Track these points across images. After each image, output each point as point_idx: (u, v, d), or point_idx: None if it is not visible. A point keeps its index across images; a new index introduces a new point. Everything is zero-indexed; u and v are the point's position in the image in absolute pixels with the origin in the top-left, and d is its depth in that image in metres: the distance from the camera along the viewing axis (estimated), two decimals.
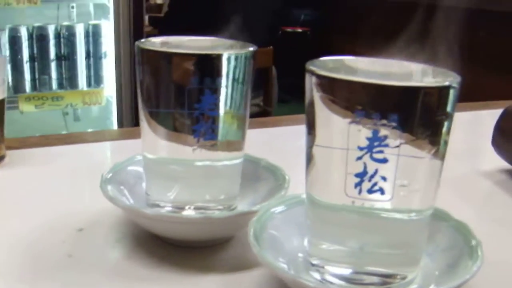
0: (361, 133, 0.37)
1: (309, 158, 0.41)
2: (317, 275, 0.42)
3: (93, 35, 2.37)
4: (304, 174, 0.42)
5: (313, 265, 0.43)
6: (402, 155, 0.37)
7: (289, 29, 4.74)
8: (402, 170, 0.38)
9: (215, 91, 0.46)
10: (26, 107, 2.33)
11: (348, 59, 0.42)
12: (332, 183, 0.40)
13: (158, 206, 0.51)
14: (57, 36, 2.31)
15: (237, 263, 0.48)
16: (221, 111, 0.48)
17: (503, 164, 0.73)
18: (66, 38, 2.32)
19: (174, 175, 0.51)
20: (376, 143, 0.37)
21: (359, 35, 3.64)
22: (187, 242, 0.50)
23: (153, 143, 0.50)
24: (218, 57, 0.46)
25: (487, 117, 0.85)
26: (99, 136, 0.89)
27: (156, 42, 0.50)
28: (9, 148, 0.73)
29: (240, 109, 0.49)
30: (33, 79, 2.32)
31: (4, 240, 0.51)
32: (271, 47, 2.80)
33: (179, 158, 0.50)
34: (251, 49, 0.48)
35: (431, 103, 0.37)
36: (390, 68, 0.42)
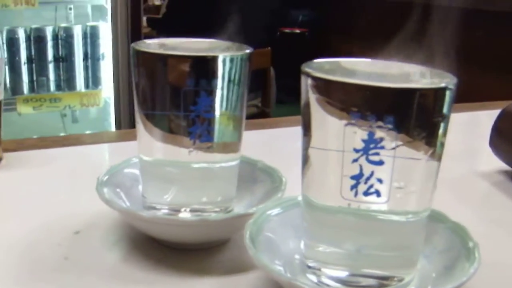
0: (357, 135, 0.37)
1: (305, 160, 0.41)
2: (313, 278, 0.42)
3: (91, 37, 2.37)
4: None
5: (309, 267, 0.43)
6: (398, 157, 0.37)
7: (287, 30, 4.75)
8: (398, 172, 0.38)
9: (211, 93, 0.46)
10: (24, 109, 2.32)
11: (344, 60, 0.42)
12: (328, 185, 0.40)
13: (154, 208, 0.51)
14: (55, 37, 2.31)
15: (233, 266, 0.48)
16: (217, 113, 0.47)
17: (501, 165, 0.73)
18: (64, 39, 2.32)
19: (171, 177, 0.51)
20: (372, 145, 0.37)
21: (357, 36, 3.64)
22: (184, 245, 0.50)
23: (149, 145, 0.50)
24: (214, 59, 0.46)
25: (484, 118, 0.85)
26: (96, 138, 0.89)
27: (152, 44, 0.50)
28: (6, 150, 0.73)
29: (236, 111, 0.49)
30: (31, 81, 2.32)
31: (1, 242, 0.51)
32: (269, 48, 2.80)
33: (175, 160, 0.50)
34: (247, 51, 0.48)
35: (427, 105, 0.37)
36: (386, 69, 0.42)
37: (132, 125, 2.35)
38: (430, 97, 0.37)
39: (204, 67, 0.46)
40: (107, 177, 0.53)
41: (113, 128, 2.49)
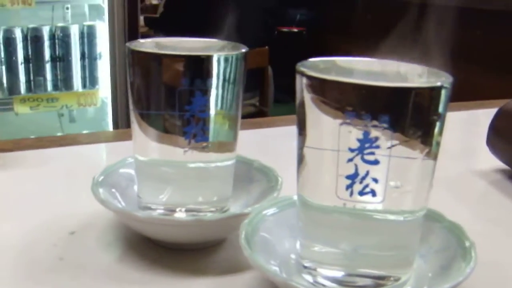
0: (352, 135, 0.37)
1: (300, 160, 0.40)
2: (309, 278, 0.42)
3: (88, 36, 2.36)
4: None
5: (305, 267, 0.42)
6: (393, 156, 0.37)
7: (285, 29, 4.74)
8: (394, 171, 0.37)
9: (206, 92, 0.46)
10: (21, 109, 2.32)
11: (339, 59, 0.42)
12: (323, 185, 0.40)
13: (149, 208, 0.51)
14: (52, 37, 2.31)
15: (229, 266, 0.48)
16: (212, 112, 0.47)
17: (498, 163, 0.73)
18: (61, 39, 2.31)
19: (166, 177, 0.51)
20: (367, 145, 0.37)
21: (355, 35, 3.64)
22: (179, 245, 0.50)
23: (144, 145, 0.50)
24: (209, 58, 0.46)
25: (482, 117, 0.85)
26: (93, 138, 0.88)
27: (147, 43, 0.50)
28: (2, 150, 0.73)
29: (231, 110, 0.49)
30: (28, 81, 2.32)
31: None
32: (266, 47, 2.80)
33: (170, 160, 0.50)
34: (242, 50, 0.48)
35: (423, 104, 0.37)
36: (382, 68, 0.42)
37: (130, 124, 2.34)
38: (425, 96, 0.37)
39: (199, 67, 0.46)
40: (102, 177, 0.53)
41: (110, 127, 2.48)
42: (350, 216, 0.39)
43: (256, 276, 0.46)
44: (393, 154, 0.37)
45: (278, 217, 0.47)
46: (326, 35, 4.65)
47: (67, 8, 2.39)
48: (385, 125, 0.36)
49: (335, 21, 4.65)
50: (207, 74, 0.46)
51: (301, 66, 0.38)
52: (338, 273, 0.41)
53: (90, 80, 2.42)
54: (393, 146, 0.37)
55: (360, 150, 0.37)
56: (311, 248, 0.42)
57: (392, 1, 2.46)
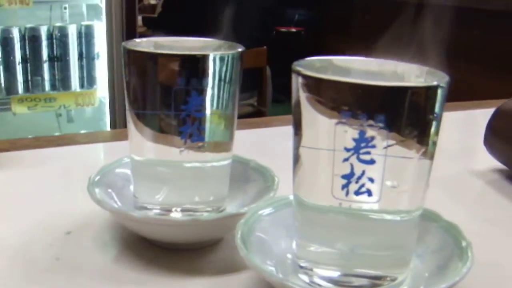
0: (348, 134, 0.36)
1: (296, 159, 0.40)
2: (305, 278, 0.42)
3: (86, 36, 2.36)
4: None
5: (301, 267, 0.42)
6: (389, 156, 0.37)
7: (283, 29, 4.74)
8: (390, 171, 0.37)
9: (202, 92, 0.46)
10: (19, 109, 2.32)
11: (335, 59, 0.42)
12: (319, 184, 0.40)
13: (146, 208, 0.51)
14: (50, 37, 2.31)
15: (225, 266, 0.48)
16: (208, 112, 0.47)
17: (495, 163, 0.73)
18: (59, 39, 2.31)
19: (162, 177, 0.51)
20: (363, 144, 0.36)
21: (353, 35, 3.65)
22: (175, 245, 0.50)
23: (140, 145, 0.50)
24: (204, 57, 0.46)
25: (479, 117, 0.85)
26: (91, 138, 0.88)
27: (143, 43, 0.50)
28: None
29: (227, 110, 0.49)
30: (25, 81, 2.31)
31: None
32: (265, 47, 2.80)
33: (166, 160, 0.50)
34: (238, 49, 0.48)
35: (419, 103, 0.37)
36: (378, 67, 0.42)
37: None
38: (421, 96, 0.37)
39: (194, 66, 0.46)
40: (98, 177, 0.53)
41: (108, 127, 2.48)
42: (346, 216, 0.39)
43: (252, 276, 0.46)
44: (389, 153, 0.37)
45: (274, 217, 0.47)
46: (325, 35, 4.65)
47: (65, 8, 2.38)
48: (381, 124, 0.36)
49: (333, 21, 4.65)
50: (203, 74, 0.46)
51: (297, 65, 0.38)
52: (334, 273, 0.41)
53: (88, 80, 2.42)
54: (389, 146, 0.36)
55: (356, 150, 0.37)
56: (307, 248, 0.42)
57: (390, 1, 2.46)
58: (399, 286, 0.42)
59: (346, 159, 0.37)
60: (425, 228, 0.45)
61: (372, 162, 0.37)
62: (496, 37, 2.93)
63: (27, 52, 2.29)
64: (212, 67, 0.46)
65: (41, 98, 2.34)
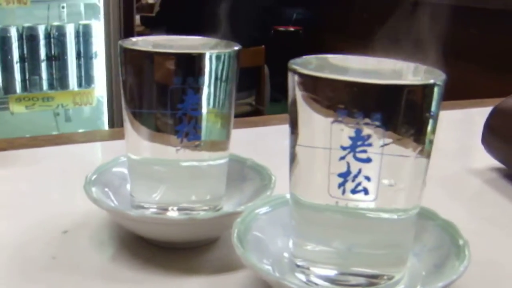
0: (344, 133, 0.36)
1: (293, 158, 0.40)
2: (302, 277, 0.42)
3: (84, 35, 2.36)
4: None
5: (298, 266, 0.42)
6: (386, 155, 0.37)
7: (281, 28, 4.74)
8: (386, 169, 0.37)
9: (198, 90, 0.46)
10: (17, 108, 2.32)
11: (332, 57, 0.42)
12: (315, 183, 0.40)
13: (142, 207, 0.51)
14: (47, 36, 2.30)
15: (222, 265, 0.48)
16: (204, 111, 0.47)
17: (493, 162, 0.73)
18: (57, 38, 2.31)
19: (159, 176, 0.50)
20: (359, 143, 0.36)
21: (351, 34, 3.64)
22: (172, 244, 0.50)
23: (136, 144, 0.49)
24: (200, 56, 0.46)
25: (477, 115, 0.85)
26: (88, 137, 0.88)
27: (139, 42, 0.50)
28: None
29: (224, 109, 0.49)
30: (23, 80, 2.31)
31: None
32: (263, 46, 2.80)
33: (163, 159, 0.50)
34: (234, 48, 0.47)
35: (415, 101, 0.37)
36: (375, 66, 0.42)
37: None
38: (418, 94, 0.37)
39: (191, 65, 0.46)
40: (95, 176, 0.53)
41: (106, 127, 2.48)
42: (342, 215, 0.39)
43: (249, 275, 0.46)
44: (385, 152, 0.37)
45: (271, 215, 0.47)
46: (323, 34, 4.65)
47: (63, 7, 2.38)
48: (377, 123, 0.36)
49: (331, 20, 4.65)
50: (199, 72, 0.46)
51: (293, 64, 0.38)
52: (331, 272, 0.41)
53: (86, 79, 2.42)
54: (385, 144, 0.36)
55: (352, 148, 0.37)
56: (304, 246, 0.42)
57: (388, 0, 2.46)
58: (396, 285, 0.42)
59: (342, 158, 0.37)
60: (422, 226, 0.45)
61: (368, 160, 0.37)
62: (494, 36, 2.93)
63: (25, 51, 2.29)
64: (208, 66, 0.46)
65: (39, 98, 2.34)
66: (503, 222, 0.60)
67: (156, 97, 0.47)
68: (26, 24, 2.28)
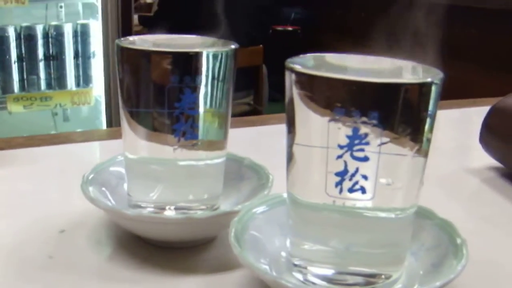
0: (341, 131, 0.36)
1: (290, 157, 0.40)
2: (299, 276, 0.42)
3: (82, 35, 2.36)
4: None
5: (295, 265, 0.42)
6: (383, 153, 0.37)
7: (279, 28, 4.73)
8: (384, 168, 0.37)
9: (195, 89, 0.46)
10: (15, 108, 2.32)
11: (329, 56, 0.42)
12: (313, 182, 0.39)
13: (139, 207, 0.50)
14: (45, 36, 2.30)
15: (219, 264, 0.48)
16: (201, 110, 0.47)
17: (491, 161, 0.73)
18: (55, 38, 2.31)
19: (156, 175, 0.50)
20: (356, 141, 0.36)
21: (350, 33, 3.65)
22: (169, 243, 0.50)
23: (134, 143, 0.49)
24: (197, 55, 0.46)
25: (475, 115, 0.85)
26: (86, 136, 0.88)
27: (136, 40, 0.50)
28: None
29: (221, 108, 0.48)
30: (21, 80, 2.31)
31: None
32: (261, 45, 2.80)
33: (160, 158, 0.50)
34: (231, 47, 0.47)
35: (412, 100, 0.37)
36: (372, 64, 0.42)
37: None
38: (415, 92, 0.37)
39: (187, 64, 0.46)
40: (92, 175, 0.53)
41: (104, 126, 2.48)
42: (340, 214, 0.39)
43: (246, 274, 0.46)
44: (382, 151, 0.36)
45: (268, 215, 0.47)
46: (321, 34, 4.65)
47: (61, 7, 2.38)
48: (374, 121, 0.36)
49: (330, 19, 4.64)
50: (196, 71, 0.45)
51: (290, 62, 0.38)
52: (329, 271, 0.41)
53: (84, 78, 2.41)
54: (383, 143, 0.36)
55: (350, 147, 0.36)
56: (301, 246, 0.42)
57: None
58: (394, 284, 0.42)
59: (339, 156, 0.37)
60: (420, 225, 0.45)
61: (365, 159, 0.37)
62: (493, 35, 2.93)
63: (23, 51, 2.28)
64: (205, 65, 0.46)
65: (37, 97, 2.34)
66: (501, 221, 0.60)
67: (153, 96, 0.47)
68: (24, 24, 2.28)
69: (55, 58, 2.33)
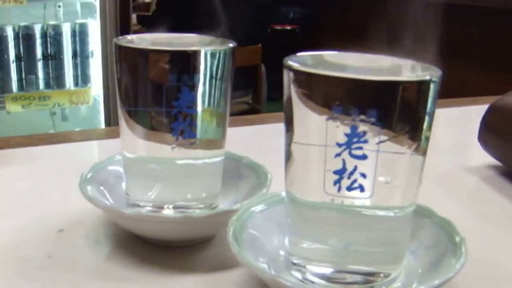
0: (339, 129, 0.36)
1: (288, 156, 0.40)
2: (298, 275, 0.42)
3: (80, 34, 2.35)
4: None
5: (294, 264, 0.42)
6: (382, 151, 0.36)
7: (278, 27, 4.74)
8: (382, 166, 0.37)
9: (193, 88, 0.46)
10: (13, 107, 2.31)
11: (327, 54, 0.42)
12: (311, 180, 0.39)
13: (138, 206, 0.50)
14: (44, 35, 2.30)
15: (217, 263, 0.48)
16: (199, 108, 0.47)
17: (490, 159, 0.73)
18: (53, 37, 2.30)
19: (154, 174, 0.50)
20: (354, 139, 0.36)
21: (348, 32, 3.64)
22: (168, 242, 0.50)
23: (132, 142, 0.49)
24: (195, 53, 0.45)
25: (473, 113, 0.85)
26: (84, 135, 0.88)
27: (134, 39, 0.50)
28: None
29: (219, 107, 0.48)
30: (19, 79, 2.31)
31: None
32: (260, 45, 2.80)
33: (158, 157, 0.50)
34: (229, 45, 0.47)
35: (411, 98, 0.37)
36: (371, 63, 0.42)
37: None
38: (413, 90, 0.37)
39: (185, 62, 0.46)
40: (90, 174, 0.53)
41: (103, 126, 2.48)
42: (338, 212, 0.39)
43: (245, 273, 0.46)
44: (381, 149, 0.36)
45: (266, 213, 0.47)
46: (320, 33, 4.65)
47: (59, 6, 2.38)
48: (373, 119, 0.35)
49: (328, 18, 4.65)
50: (194, 70, 0.45)
51: (288, 61, 0.38)
52: (327, 270, 0.41)
53: (82, 78, 2.41)
54: (381, 141, 0.36)
55: (348, 145, 0.36)
56: (300, 244, 0.42)
57: None
58: (393, 283, 0.42)
59: (338, 155, 0.37)
60: (418, 224, 0.45)
61: (364, 157, 0.37)
62: (492, 34, 2.93)
63: (21, 51, 2.28)
64: (203, 63, 0.46)
65: (35, 97, 2.34)
66: (500, 219, 0.60)
67: (151, 95, 0.46)
68: (22, 23, 2.28)
69: (54, 58, 2.33)
